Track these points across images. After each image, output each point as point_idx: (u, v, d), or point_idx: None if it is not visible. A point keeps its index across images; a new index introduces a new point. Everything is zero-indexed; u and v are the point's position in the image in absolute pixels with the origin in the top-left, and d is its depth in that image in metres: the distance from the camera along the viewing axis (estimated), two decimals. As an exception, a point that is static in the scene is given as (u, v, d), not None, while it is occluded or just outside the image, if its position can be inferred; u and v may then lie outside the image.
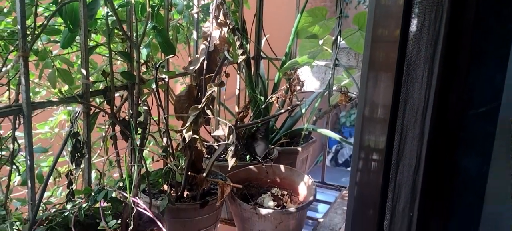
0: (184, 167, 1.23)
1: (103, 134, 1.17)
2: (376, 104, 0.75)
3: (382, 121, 0.76)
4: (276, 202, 1.40)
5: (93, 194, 0.98)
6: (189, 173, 1.26)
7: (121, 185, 1.07)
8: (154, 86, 1.09)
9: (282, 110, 1.59)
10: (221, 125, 1.09)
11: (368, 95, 0.74)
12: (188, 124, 1.07)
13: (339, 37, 1.79)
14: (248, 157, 1.64)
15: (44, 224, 0.96)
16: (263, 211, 1.30)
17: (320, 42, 1.82)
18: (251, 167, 1.55)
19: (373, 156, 0.76)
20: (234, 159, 1.01)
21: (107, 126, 1.16)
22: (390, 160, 0.78)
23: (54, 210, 0.97)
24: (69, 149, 0.97)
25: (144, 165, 1.06)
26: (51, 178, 1.13)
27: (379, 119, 0.76)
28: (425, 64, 0.95)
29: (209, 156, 1.52)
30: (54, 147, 1.17)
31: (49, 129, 1.22)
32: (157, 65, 1.08)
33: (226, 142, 1.06)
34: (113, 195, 1.01)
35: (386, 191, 0.79)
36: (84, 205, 0.97)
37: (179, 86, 1.60)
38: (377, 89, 0.75)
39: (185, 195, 1.27)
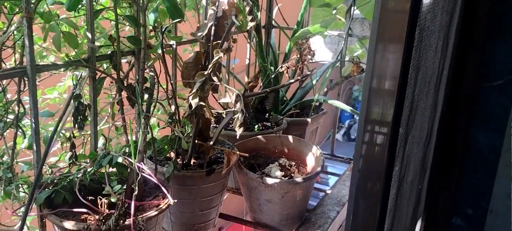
0: (191, 134, 1.22)
1: (111, 100, 1.16)
2: (384, 76, 0.72)
3: (390, 93, 0.73)
4: (283, 172, 1.40)
5: (98, 158, 0.97)
6: (196, 141, 1.25)
7: (126, 151, 1.06)
8: (160, 51, 1.07)
9: (292, 80, 1.56)
10: (228, 92, 1.06)
11: (376, 67, 0.71)
12: (194, 90, 1.06)
13: (353, 6, 1.74)
14: (256, 127, 1.63)
15: (50, 188, 0.96)
16: (270, 180, 1.29)
17: (334, 11, 1.77)
18: (259, 137, 1.54)
19: (379, 129, 0.74)
20: (241, 128, 1.00)
21: (114, 93, 1.15)
22: (398, 132, 0.75)
23: (59, 173, 0.97)
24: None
25: (149, 131, 1.05)
26: (59, 143, 1.13)
27: (387, 91, 0.73)
28: (440, 32, 0.91)
29: (217, 125, 1.52)
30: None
31: (58, 95, 1.22)
32: (163, 30, 1.06)
33: (233, 109, 1.04)
34: (119, 160, 1.00)
35: (392, 164, 0.76)
36: (89, 169, 0.97)
37: (189, 56, 1.59)
38: (385, 61, 0.71)
39: (191, 163, 1.27)
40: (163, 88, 1.26)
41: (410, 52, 0.71)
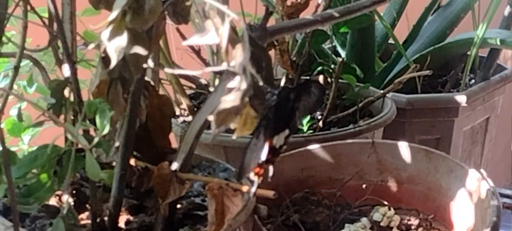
0: (117, 143, 1.23)
1: None
2: None
3: None
4: None
5: None
6: (130, 162, 1.26)
7: None
8: None
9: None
10: (211, 19, 1.04)
11: None
12: (114, 14, 1.03)
13: None
14: (306, 122, 1.69)
15: None
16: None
17: None
18: (314, 148, 1.56)
19: None
20: (240, 124, 1.00)
21: None
22: None
23: None
24: None
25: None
26: None
27: None
28: None
29: (190, 118, 1.57)
30: None
31: None
32: None
33: (227, 67, 1.02)
34: None
35: None
36: None
37: None
38: None
39: (122, 224, 1.29)
40: (38, 14, 1.27)
41: None
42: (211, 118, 0.98)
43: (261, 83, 1.03)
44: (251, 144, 1.15)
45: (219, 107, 1.02)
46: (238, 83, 1.02)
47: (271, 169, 1.18)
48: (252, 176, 1.15)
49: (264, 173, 1.17)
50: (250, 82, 1.00)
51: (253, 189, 1.18)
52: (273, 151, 1.17)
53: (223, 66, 1.06)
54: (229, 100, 1.01)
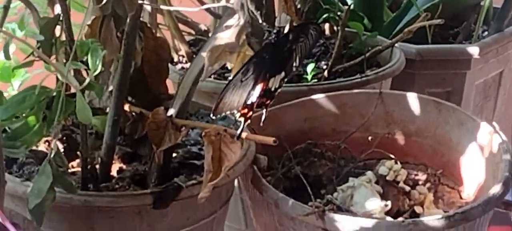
0: (110, 86, 1.23)
1: None
2: None
3: None
4: (389, 200, 1.38)
5: None
6: (124, 106, 1.25)
7: None
8: None
9: None
10: None
11: None
12: None
13: None
14: (310, 69, 1.67)
15: None
16: (348, 223, 1.27)
17: None
18: (318, 97, 1.57)
19: None
20: (232, 56, 0.99)
21: None
22: None
23: None
24: None
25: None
26: None
27: None
28: None
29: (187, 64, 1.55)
30: None
31: None
32: None
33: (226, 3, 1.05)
34: None
35: None
36: None
37: None
38: None
39: (113, 171, 1.31)
40: None
41: None
42: (204, 55, 0.97)
43: (260, 20, 1.01)
44: (236, 79, 1.11)
45: (213, 44, 1.01)
46: (236, 20, 1.02)
47: (264, 113, 1.17)
48: (238, 116, 1.13)
49: (251, 116, 1.16)
50: (248, 19, 1.00)
51: (239, 131, 1.17)
52: (268, 94, 1.16)
53: (222, 3, 1.06)
54: (224, 37, 1.01)
